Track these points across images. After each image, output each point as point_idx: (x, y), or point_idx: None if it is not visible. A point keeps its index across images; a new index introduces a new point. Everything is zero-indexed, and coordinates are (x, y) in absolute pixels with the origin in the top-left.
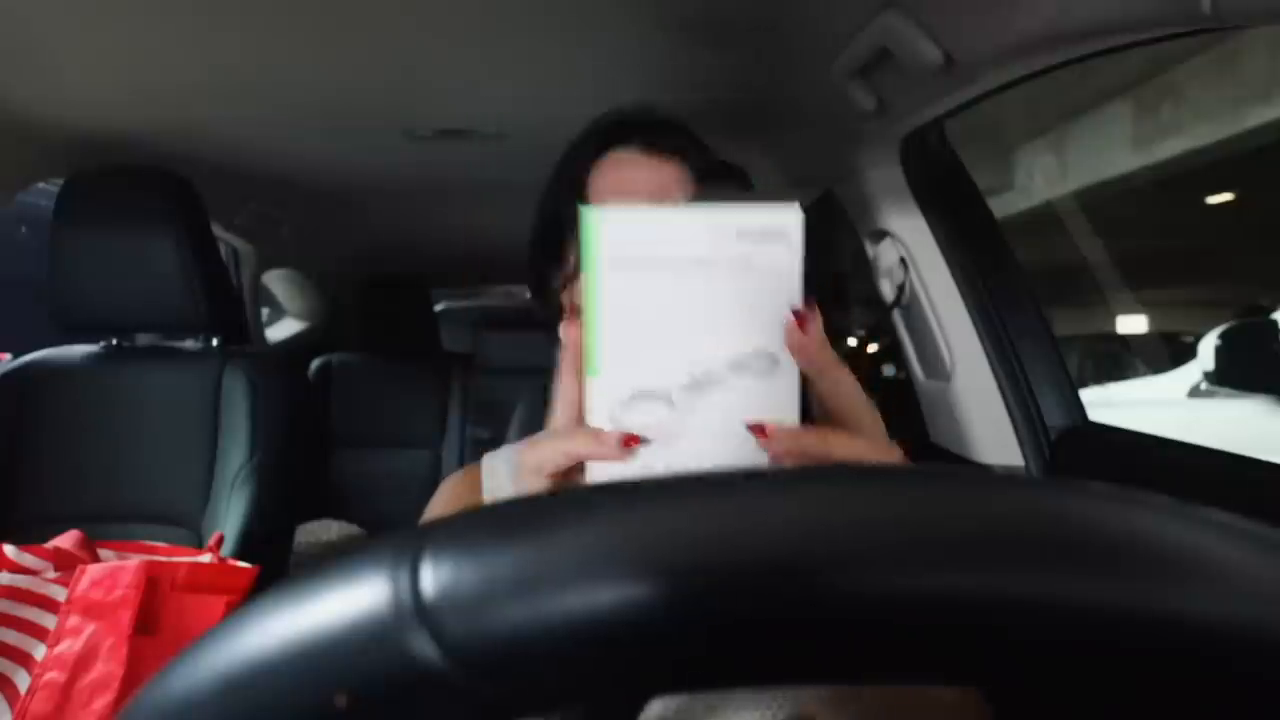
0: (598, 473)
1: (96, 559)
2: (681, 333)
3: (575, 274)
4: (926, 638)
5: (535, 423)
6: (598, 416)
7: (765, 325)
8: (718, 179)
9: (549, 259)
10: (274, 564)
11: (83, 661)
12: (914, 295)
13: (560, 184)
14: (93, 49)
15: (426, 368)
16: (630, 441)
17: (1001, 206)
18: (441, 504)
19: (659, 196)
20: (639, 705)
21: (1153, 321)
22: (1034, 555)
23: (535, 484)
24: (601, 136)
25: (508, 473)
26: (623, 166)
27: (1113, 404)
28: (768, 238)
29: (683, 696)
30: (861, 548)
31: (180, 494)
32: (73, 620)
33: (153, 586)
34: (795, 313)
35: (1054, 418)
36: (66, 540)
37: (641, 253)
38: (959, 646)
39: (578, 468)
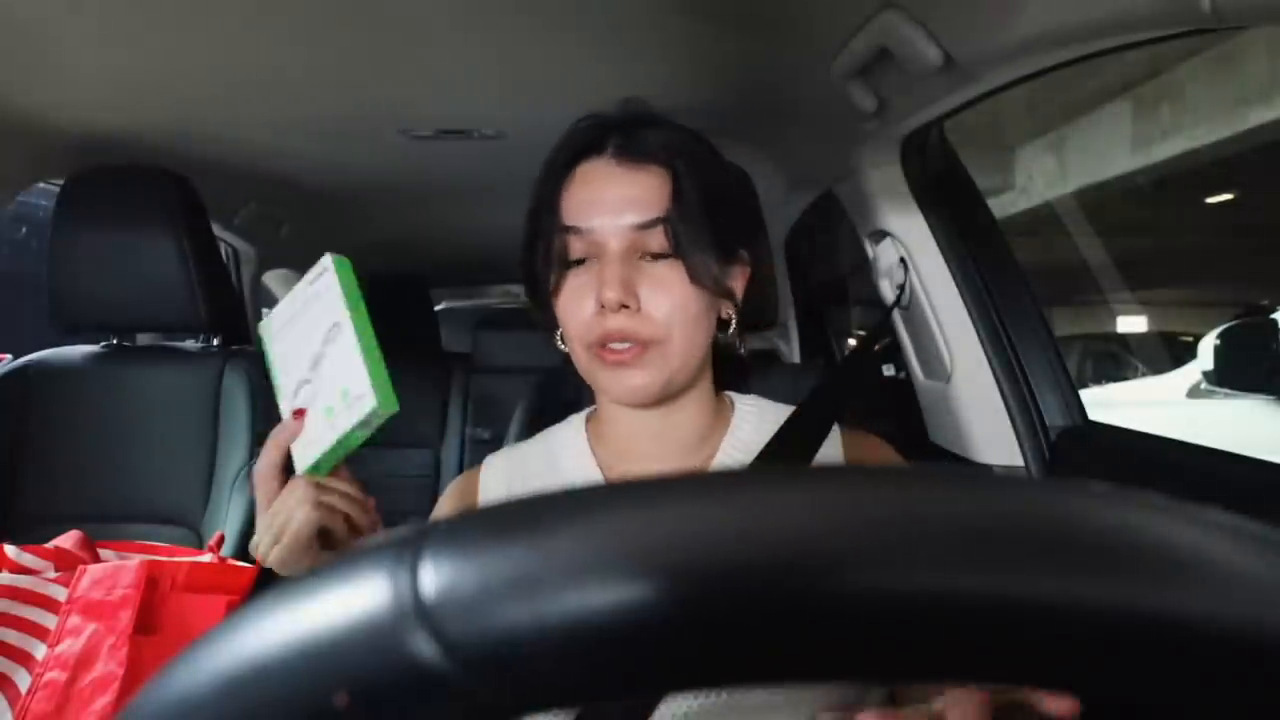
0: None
1: (97, 559)
2: (302, 346)
3: (556, 285)
4: (929, 638)
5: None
6: (284, 410)
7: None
8: (710, 180)
9: (539, 263)
10: None
11: (83, 661)
12: (914, 295)
13: (539, 194)
14: (93, 49)
15: (426, 368)
16: (298, 414)
17: (1001, 207)
18: (447, 506)
19: (632, 210)
20: (651, 704)
21: (1152, 321)
22: (1037, 556)
23: (264, 489)
24: (573, 146)
25: (504, 474)
26: (594, 181)
27: (1112, 404)
28: (319, 277)
29: (706, 696)
30: (864, 547)
31: (180, 494)
32: (73, 620)
33: (153, 586)
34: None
35: (1054, 418)
36: (67, 540)
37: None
38: (966, 647)
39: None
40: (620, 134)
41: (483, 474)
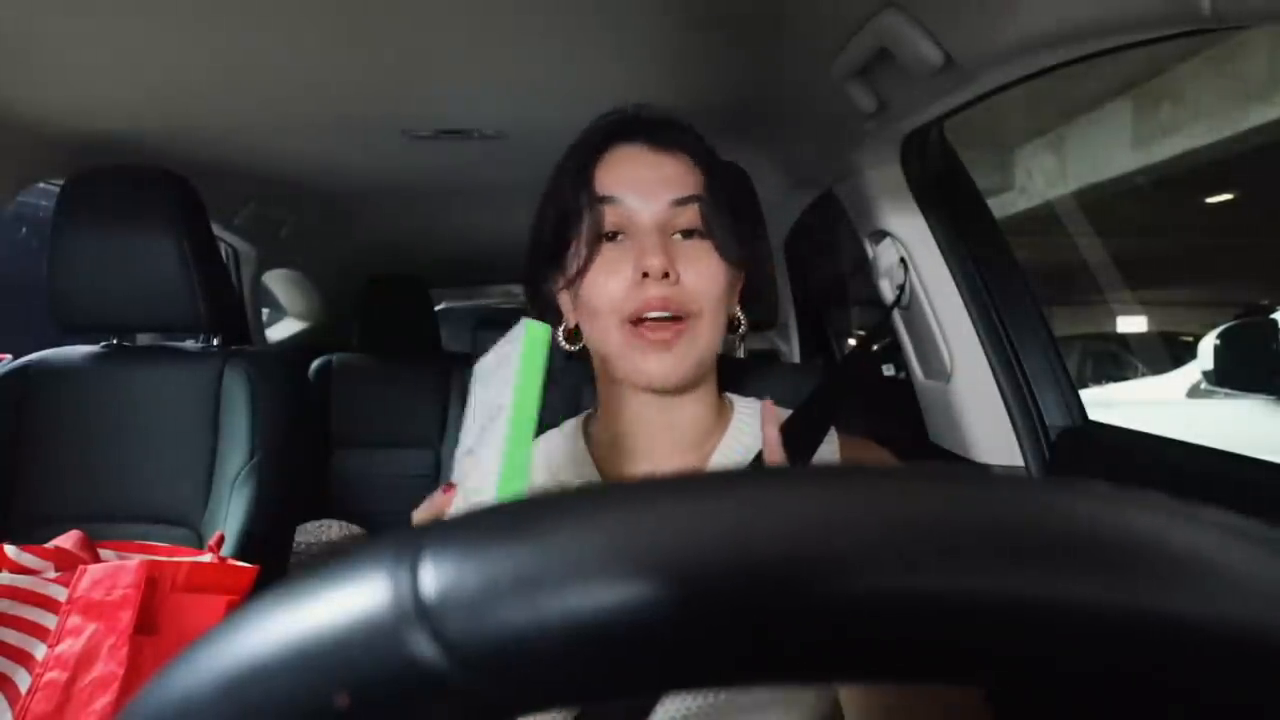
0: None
1: (97, 559)
2: (480, 410)
3: (575, 275)
4: (933, 639)
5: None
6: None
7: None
8: (721, 174)
9: (548, 258)
10: (274, 564)
11: (83, 661)
12: (914, 295)
13: (565, 179)
14: (93, 49)
15: (426, 368)
16: (448, 489)
17: (1001, 207)
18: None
19: (667, 188)
20: (650, 705)
21: (1153, 321)
22: (1040, 556)
23: None
24: (607, 132)
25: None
26: (628, 161)
27: (1112, 404)
28: (512, 340)
29: (704, 696)
30: (866, 547)
31: (180, 494)
32: (73, 620)
33: (153, 586)
34: None
35: (1054, 417)
36: (67, 540)
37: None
38: (967, 648)
39: None
40: (647, 125)
41: None
